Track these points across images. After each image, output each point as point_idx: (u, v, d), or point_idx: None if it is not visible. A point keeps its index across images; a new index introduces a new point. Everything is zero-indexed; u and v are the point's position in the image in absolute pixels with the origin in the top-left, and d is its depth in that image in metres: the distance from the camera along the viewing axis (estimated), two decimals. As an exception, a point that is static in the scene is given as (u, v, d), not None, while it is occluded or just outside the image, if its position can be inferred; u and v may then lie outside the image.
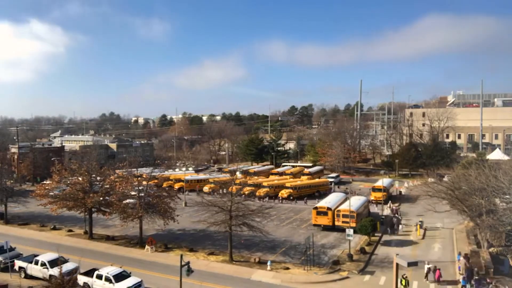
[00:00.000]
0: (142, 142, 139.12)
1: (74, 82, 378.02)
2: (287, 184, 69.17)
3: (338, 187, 77.36)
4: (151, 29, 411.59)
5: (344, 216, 45.51)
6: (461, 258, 32.74)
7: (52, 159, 78.41)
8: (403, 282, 28.59)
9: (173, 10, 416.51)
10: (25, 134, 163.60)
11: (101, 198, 44.11)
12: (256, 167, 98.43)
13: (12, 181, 67.42)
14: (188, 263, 27.32)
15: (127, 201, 43.45)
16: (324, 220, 47.57)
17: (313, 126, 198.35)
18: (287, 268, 34.45)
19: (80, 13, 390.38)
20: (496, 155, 77.42)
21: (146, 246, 40.00)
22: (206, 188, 72.36)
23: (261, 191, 67.09)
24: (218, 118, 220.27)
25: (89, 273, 30.71)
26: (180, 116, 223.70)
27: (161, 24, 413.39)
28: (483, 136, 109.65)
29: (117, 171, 49.96)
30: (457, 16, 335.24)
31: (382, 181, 63.11)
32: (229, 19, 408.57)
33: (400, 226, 46.99)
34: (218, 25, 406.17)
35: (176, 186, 73.23)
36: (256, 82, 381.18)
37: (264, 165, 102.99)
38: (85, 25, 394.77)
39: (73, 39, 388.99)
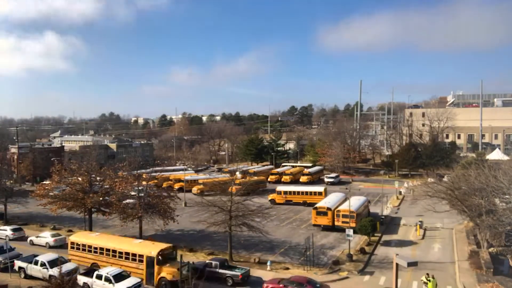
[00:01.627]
0: (142, 142, 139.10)
1: (74, 82, 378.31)
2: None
3: None
4: (151, 29, 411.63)
5: (344, 216, 45.49)
6: None
7: (52, 159, 78.30)
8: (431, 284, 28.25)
9: (171, 10, 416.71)
10: (24, 134, 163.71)
11: (100, 198, 44.09)
12: (255, 167, 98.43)
13: (12, 181, 67.40)
14: (188, 263, 27.37)
15: (127, 201, 43.46)
16: (324, 220, 47.55)
17: (313, 126, 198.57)
18: (287, 268, 34.46)
19: (80, 13, 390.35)
20: (496, 155, 77.55)
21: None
22: (194, 189, 71.87)
23: None
24: (218, 118, 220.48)
25: (89, 273, 30.72)
26: (180, 116, 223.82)
27: (161, 24, 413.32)
28: (482, 136, 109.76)
29: (119, 173, 49.55)
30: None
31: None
32: (229, 20, 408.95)
33: None
34: (217, 26, 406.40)
35: (176, 186, 73.18)
36: (257, 82, 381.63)
37: (264, 165, 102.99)
38: (85, 25, 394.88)
39: (73, 39, 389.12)
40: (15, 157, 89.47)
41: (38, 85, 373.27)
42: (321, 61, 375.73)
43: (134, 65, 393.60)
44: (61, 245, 41.13)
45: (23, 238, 44.05)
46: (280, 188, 65.62)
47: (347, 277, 32.82)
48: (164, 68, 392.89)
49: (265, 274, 33.13)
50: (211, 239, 44.17)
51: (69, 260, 34.29)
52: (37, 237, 42.70)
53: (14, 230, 44.80)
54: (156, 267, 30.18)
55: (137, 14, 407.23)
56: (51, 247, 40.67)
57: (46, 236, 42.20)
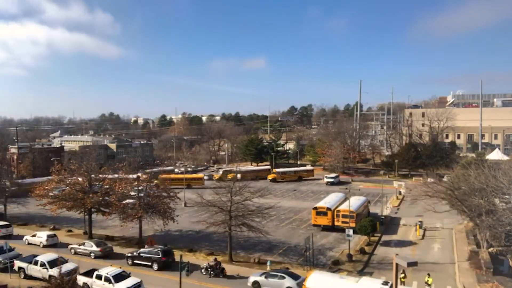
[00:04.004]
0: (142, 142, 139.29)
1: (73, 82, 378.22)
2: None
3: None
4: (152, 30, 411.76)
5: (343, 216, 45.50)
6: None
7: (52, 159, 78.32)
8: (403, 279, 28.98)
9: (171, 11, 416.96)
10: (24, 135, 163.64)
11: (100, 199, 44.08)
12: (250, 168, 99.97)
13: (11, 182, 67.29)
14: (187, 263, 27.35)
15: (127, 201, 43.43)
16: (324, 220, 47.55)
17: (313, 126, 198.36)
18: (287, 268, 34.38)
19: (81, 13, 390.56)
20: (496, 155, 77.52)
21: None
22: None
23: None
24: (218, 118, 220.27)
25: (88, 273, 30.68)
26: (180, 116, 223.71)
27: (162, 25, 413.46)
28: (482, 136, 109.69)
29: (117, 174, 49.50)
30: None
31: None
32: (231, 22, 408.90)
33: None
34: (218, 27, 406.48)
35: None
36: (257, 82, 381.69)
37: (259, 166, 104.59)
38: (86, 25, 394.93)
39: (73, 38, 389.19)
40: (15, 157, 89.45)
41: (37, 85, 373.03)
42: (322, 61, 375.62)
43: (134, 65, 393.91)
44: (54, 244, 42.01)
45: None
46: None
47: (347, 277, 32.77)
48: (164, 67, 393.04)
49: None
50: (210, 239, 44.13)
51: (68, 260, 34.24)
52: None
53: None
54: None
55: (136, 14, 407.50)
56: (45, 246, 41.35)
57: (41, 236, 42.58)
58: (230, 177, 76.34)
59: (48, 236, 42.31)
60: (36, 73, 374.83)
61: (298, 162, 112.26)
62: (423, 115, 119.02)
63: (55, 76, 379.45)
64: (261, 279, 30.52)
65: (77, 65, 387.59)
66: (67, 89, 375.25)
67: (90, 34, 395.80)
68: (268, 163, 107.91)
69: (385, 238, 44.39)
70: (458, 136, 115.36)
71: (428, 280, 29.22)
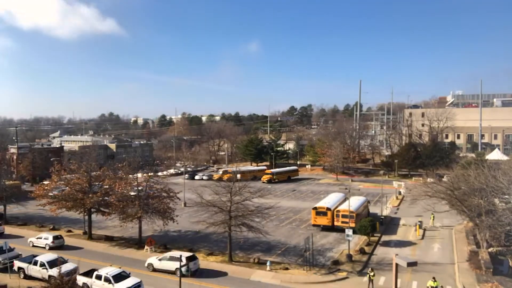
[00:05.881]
0: (142, 142, 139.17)
1: (73, 82, 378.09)
2: None
3: None
4: (152, 29, 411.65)
5: (343, 216, 45.50)
6: None
7: (51, 159, 78.29)
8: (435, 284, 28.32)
9: (171, 11, 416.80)
10: (24, 135, 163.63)
11: (100, 199, 44.06)
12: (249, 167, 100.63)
13: (11, 182, 67.33)
14: (187, 263, 27.32)
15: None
16: (324, 221, 47.54)
17: (313, 127, 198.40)
18: (287, 269, 34.44)
19: (80, 13, 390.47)
20: (495, 155, 77.68)
21: (146, 247, 39.98)
22: None
23: None
24: (218, 118, 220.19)
25: (88, 273, 30.67)
26: (180, 116, 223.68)
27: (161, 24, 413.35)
28: (482, 136, 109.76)
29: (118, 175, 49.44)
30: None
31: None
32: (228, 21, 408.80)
33: None
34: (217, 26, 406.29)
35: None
36: (257, 82, 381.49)
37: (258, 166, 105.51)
38: (84, 25, 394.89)
39: (73, 37, 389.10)
40: (15, 157, 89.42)
41: (37, 85, 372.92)
42: (321, 61, 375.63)
43: (134, 65, 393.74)
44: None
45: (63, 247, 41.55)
46: None
47: (346, 278, 32.78)
48: (163, 67, 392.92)
49: (265, 274, 33.13)
50: (209, 239, 44.09)
51: (68, 260, 34.23)
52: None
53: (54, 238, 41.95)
54: None
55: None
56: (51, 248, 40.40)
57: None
58: (225, 178, 77.35)
59: None
60: (36, 73, 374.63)
61: (298, 162, 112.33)
62: (422, 115, 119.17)
63: (55, 74, 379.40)
64: None
65: (76, 64, 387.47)
66: (67, 88, 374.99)
67: (88, 33, 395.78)
68: (268, 163, 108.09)
69: (384, 238, 44.37)
70: (458, 136, 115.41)
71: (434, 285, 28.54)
